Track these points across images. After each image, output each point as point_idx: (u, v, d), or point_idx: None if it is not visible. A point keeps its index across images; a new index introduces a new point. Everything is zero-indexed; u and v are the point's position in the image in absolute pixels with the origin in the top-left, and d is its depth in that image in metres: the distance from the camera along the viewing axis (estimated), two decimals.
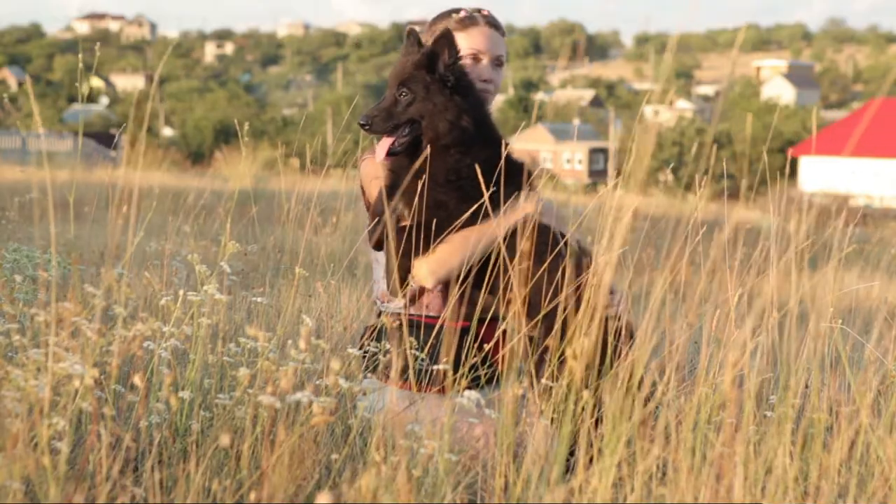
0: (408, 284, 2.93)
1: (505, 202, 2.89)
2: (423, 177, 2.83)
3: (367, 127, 2.96)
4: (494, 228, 2.86)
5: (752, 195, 3.36)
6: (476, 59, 3.16)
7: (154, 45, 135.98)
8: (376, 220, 2.94)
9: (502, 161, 2.90)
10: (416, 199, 2.84)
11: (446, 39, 2.95)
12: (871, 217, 21.21)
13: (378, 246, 2.96)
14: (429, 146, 2.87)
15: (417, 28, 3.14)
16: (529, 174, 3.00)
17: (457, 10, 3.24)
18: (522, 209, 2.91)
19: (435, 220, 2.87)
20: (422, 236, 2.87)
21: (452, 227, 2.86)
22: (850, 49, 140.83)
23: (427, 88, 2.93)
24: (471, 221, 2.88)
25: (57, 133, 34.43)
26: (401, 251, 2.87)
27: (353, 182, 3.24)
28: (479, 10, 3.25)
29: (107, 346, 2.37)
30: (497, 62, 3.21)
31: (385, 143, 2.95)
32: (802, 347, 2.61)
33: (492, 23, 3.23)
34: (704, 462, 2.25)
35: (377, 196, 2.97)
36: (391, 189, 2.94)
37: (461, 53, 2.98)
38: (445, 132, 2.90)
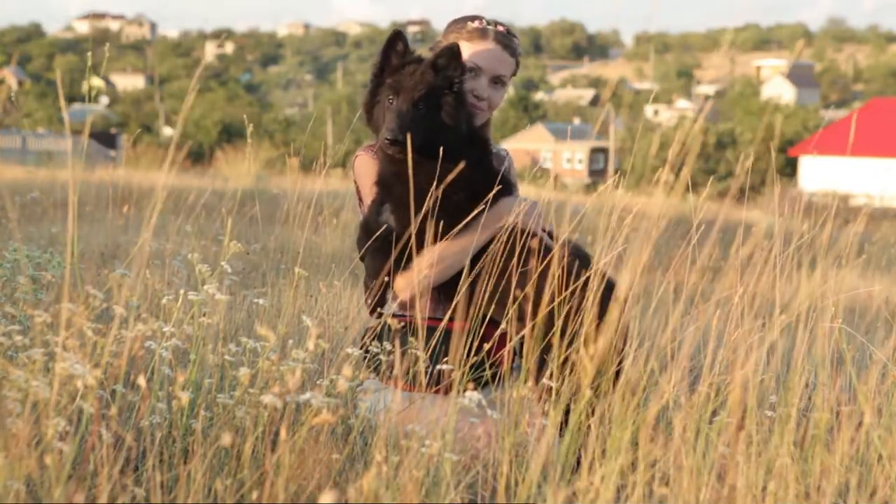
0: (385, 300, 2.93)
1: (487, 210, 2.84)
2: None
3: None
4: (470, 240, 2.84)
5: (753, 195, 3.36)
6: (475, 72, 3.07)
7: (154, 45, 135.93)
8: (366, 233, 2.94)
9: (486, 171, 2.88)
10: (405, 210, 2.80)
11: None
12: (871, 216, 21.19)
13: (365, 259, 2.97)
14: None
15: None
16: (507, 181, 2.96)
17: (474, 19, 3.14)
18: (500, 216, 2.88)
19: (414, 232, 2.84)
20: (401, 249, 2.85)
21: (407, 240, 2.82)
22: (851, 49, 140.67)
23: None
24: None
25: (57, 132, 34.43)
26: (384, 265, 2.86)
27: (353, 182, 3.22)
28: (495, 24, 3.14)
29: (107, 346, 2.37)
30: (497, 80, 3.11)
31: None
32: (804, 347, 2.61)
33: (502, 41, 3.12)
34: (706, 462, 2.25)
35: (368, 209, 2.97)
36: (380, 204, 2.93)
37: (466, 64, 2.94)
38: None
